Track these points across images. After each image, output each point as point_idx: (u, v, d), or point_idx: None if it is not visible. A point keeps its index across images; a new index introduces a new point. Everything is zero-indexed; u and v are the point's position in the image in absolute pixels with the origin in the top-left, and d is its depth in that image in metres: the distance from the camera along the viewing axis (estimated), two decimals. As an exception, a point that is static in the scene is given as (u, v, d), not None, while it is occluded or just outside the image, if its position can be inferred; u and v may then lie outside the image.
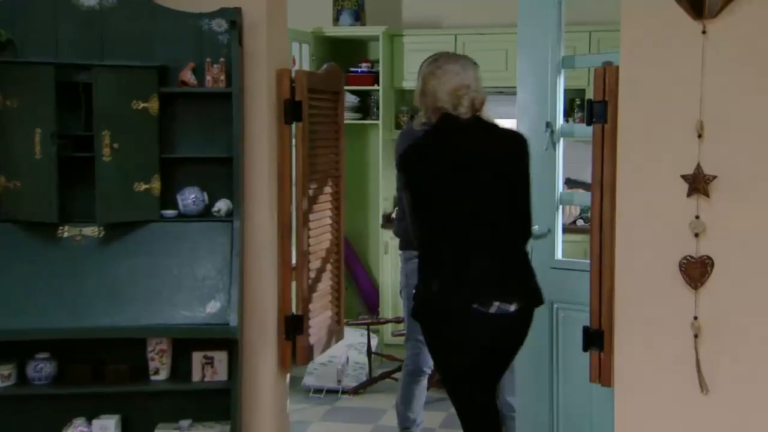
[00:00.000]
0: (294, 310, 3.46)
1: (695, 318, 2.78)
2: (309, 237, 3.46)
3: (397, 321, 5.77)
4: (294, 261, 3.45)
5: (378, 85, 6.18)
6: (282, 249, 3.39)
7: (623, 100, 2.91)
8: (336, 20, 6.37)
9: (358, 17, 6.35)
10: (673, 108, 2.79)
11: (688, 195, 2.76)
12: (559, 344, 3.79)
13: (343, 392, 5.43)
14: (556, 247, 3.82)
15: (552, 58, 3.75)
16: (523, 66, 3.84)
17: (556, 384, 3.80)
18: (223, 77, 3.24)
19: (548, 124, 3.75)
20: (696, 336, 2.78)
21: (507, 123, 3.59)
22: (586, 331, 3.13)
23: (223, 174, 3.25)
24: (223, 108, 3.23)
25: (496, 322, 3.14)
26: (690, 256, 2.78)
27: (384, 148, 6.21)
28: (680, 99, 2.77)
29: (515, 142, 3.31)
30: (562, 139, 3.82)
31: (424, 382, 4.34)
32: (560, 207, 3.84)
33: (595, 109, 3.05)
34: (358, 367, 5.60)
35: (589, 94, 5.74)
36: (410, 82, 6.22)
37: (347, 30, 6.35)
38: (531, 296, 3.26)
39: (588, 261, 3.96)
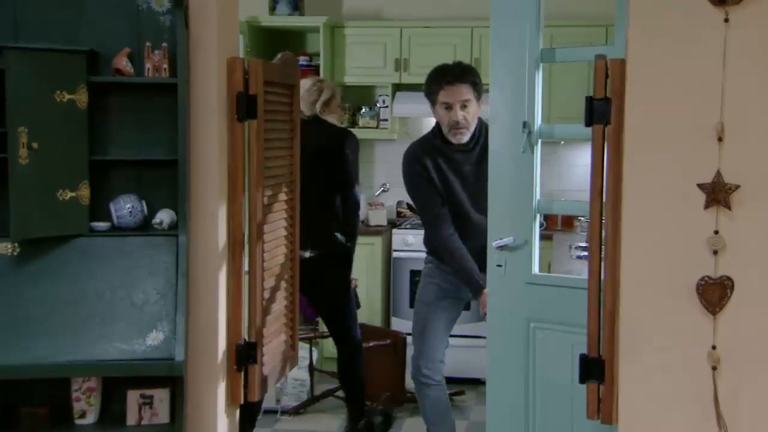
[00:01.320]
0: (246, 336, 3.01)
1: (713, 347, 2.56)
2: (264, 252, 3.02)
3: (342, 334, 5.41)
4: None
5: (318, 80, 5.80)
6: (233, 267, 2.95)
7: (630, 98, 2.64)
8: (272, 9, 6.11)
9: (297, 6, 6.10)
10: (689, 107, 2.56)
11: (706, 207, 2.53)
12: (536, 368, 3.51)
13: (283, 412, 5.11)
14: (532, 261, 3.53)
15: (530, 51, 3.44)
16: (497, 60, 3.54)
17: (532, 413, 3.49)
18: (165, 65, 2.88)
19: (525, 125, 3.46)
20: (714, 368, 2.56)
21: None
22: (584, 359, 2.84)
23: (166, 179, 2.91)
24: (166, 102, 2.87)
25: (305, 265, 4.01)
26: (708, 276, 2.55)
27: (325, 147, 5.80)
28: (697, 96, 2.53)
29: (337, 134, 4.51)
30: (540, 141, 3.50)
31: (431, 391, 4.14)
32: (537, 216, 3.53)
33: (595, 107, 2.77)
34: (297, 384, 5.28)
35: (555, 93, 5.64)
36: (352, 77, 6.02)
37: (285, 20, 6.07)
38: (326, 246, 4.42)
39: (569, 276, 3.66)
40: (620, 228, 2.68)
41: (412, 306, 5.82)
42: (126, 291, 2.73)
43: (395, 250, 5.88)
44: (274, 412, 5.07)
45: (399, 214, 6.26)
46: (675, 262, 2.58)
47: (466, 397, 5.43)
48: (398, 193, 6.23)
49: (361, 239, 5.76)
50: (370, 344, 5.19)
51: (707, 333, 2.53)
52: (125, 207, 2.91)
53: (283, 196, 3.25)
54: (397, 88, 6.02)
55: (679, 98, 2.55)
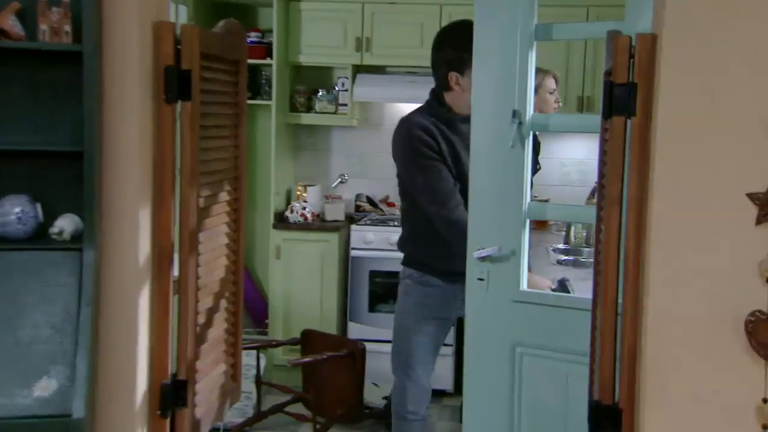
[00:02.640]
0: (174, 372, 2.43)
1: (764, 401, 2.13)
2: (198, 266, 2.43)
3: (294, 343, 5.05)
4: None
5: (271, 59, 5.41)
6: (159, 288, 2.36)
7: (663, 83, 2.15)
8: (220, -21, 5.47)
9: (247, -24, 5.48)
10: (738, 97, 2.13)
11: (758, 222, 2.11)
12: (522, 400, 3.09)
13: (226, 430, 4.70)
14: (520, 275, 3.09)
15: (522, 27, 2.96)
16: (483, 38, 3.07)
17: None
18: (68, 28, 2.34)
19: (515, 114, 3.02)
20: (765, 427, 2.14)
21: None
22: (594, 407, 2.35)
23: (68, 177, 2.39)
24: (69, 75, 2.33)
25: None
26: (759, 311, 2.11)
27: (277, 133, 5.46)
28: (748, 84, 2.09)
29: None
30: (531, 134, 3.02)
31: (414, 428, 3.68)
32: (527, 222, 3.04)
33: (615, 94, 2.24)
34: (243, 397, 4.80)
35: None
36: (308, 56, 5.58)
37: (234, -9, 5.61)
38: None
39: (566, 295, 3.20)
40: (646, 246, 2.19)
41: (371, 310, 5.40)
42: (8, 324, 2.14)
43: (353, 248, 5.42)
44: (215, 430, 4.58)
45: (358, 208, 5.83)
46: (717, 291, 2.13)
47: (430, 411, 4.91)
48: (357, 186, 5.86)
49: (315, 236, 5.34)
50: (324, 355, 4.69)
51: (757, 382, 2.11)
52: (12, 212, 2.37)
53: (224, 196, 2.66)
54: (358, 69, 5.57)
55: (727, 84, 2.10)
